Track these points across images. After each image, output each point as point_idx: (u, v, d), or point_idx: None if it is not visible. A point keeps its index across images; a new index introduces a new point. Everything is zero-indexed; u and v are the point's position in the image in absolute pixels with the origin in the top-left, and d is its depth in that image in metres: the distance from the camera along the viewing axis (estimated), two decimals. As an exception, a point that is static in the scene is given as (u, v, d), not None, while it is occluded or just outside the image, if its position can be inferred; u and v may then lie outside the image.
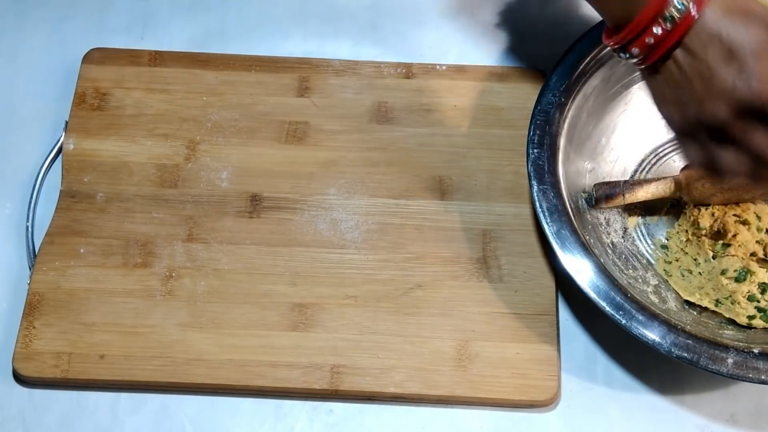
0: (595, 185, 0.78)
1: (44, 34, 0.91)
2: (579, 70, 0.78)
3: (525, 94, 0.85)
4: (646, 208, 0.80)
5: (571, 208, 0.73)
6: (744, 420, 0.74)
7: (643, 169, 0.82)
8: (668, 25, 0.59)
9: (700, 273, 0.75)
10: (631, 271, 0.76)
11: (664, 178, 0.77)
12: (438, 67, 0.87)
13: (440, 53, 0.90)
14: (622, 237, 0.79)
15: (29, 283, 0.77)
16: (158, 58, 0.87)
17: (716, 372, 0.67)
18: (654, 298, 0.74)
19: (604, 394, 0.75)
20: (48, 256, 0.78)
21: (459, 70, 0.87)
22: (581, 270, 0.70)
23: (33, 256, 0.78)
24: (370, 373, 0.74)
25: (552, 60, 0.89)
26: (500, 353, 0.74)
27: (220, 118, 0.85)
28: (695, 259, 0.76)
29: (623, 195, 0.76)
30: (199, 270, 0.78)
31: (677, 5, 0.59)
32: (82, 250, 0.78)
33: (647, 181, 0.77)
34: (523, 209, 0.80)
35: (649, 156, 0.83)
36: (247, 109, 0.85)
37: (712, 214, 0.75)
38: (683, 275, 0.76)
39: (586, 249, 0.71)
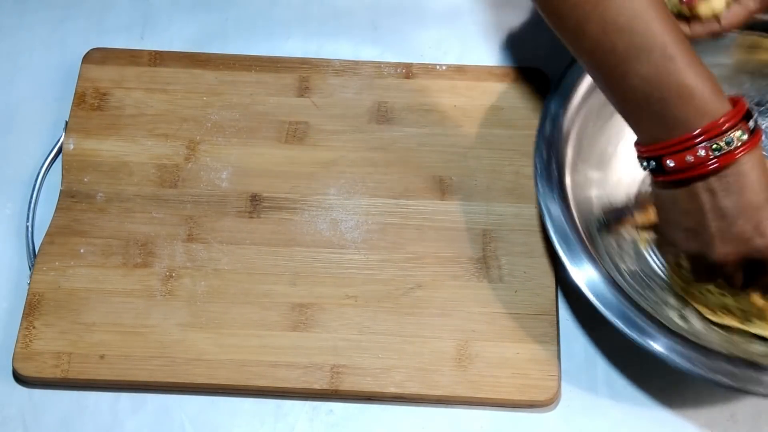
0: (604, 211, 0.75)
1: (44, 34, 0.91)
2: (585, 79, 0.77)
3: (525, 94, 0.85)
4: (653, 226, 0.78)
5: (579, 221, 0.72)
6: (744, 420, 0.73)
7: None
8: (712, 153, 0.60)
9: (722, 294, 0.73)
10: (651, 294, 0.74)
11: None
12: (438, 67, 0.87)
13: (440, 53, 0.90)
14: (636, 260, 0.77)
15: (29, 283, 0.77)
16: (158, 58, 0.87)
17: (755, 393, 0.66)
18: (680, 322, 0.73)
19: (605, 394, 0.75)
20: (48, 256, 0.78)
21: (459, 70, 0.87)
22: (606, 300, 0.69)
23: (33, 256, 0.78)
24: (370, 373, 0.74)
25: (551, 60, 0.89)
26: (500, 353, 0.74)
27: (220, 118, 0.85)
28: None
29: (632, 214, 0.74)
30: (199, 270, 0.78)
31: (729, 138, 0.59)
32: (82, 250, 0.78)
33: None
34: (523, 209, 0.80)
35: None
36: (247, 109, 0.85)
37: None
38: (703, 294, 0.74)
39: (596, 262, 0.70)
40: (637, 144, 0.65)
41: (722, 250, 0.63)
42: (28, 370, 0.74)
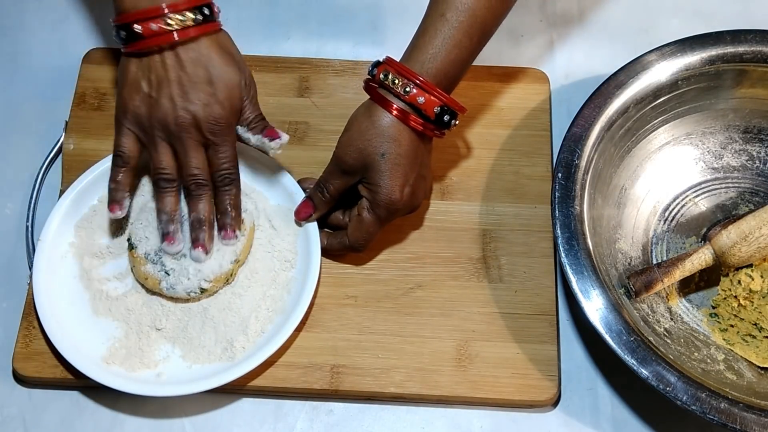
0: (629, 278, 0.74)
1: (44, 34, 0.91)
2: (600, 121, 0.76)
3: (525, 94, 0.85)
4: (679, 283, 0.77)
5: (598, 265, 0.71)
6: None
7: (669, 216, 0.80)
8: (168, 26, 0.69)
9: (767, 337, 0.73)
10: (696, 353, 0.73)
11: (695, 252, 0.74)
12: (438, 67, 0.87)
13: (440, 53, 0.90)
14: (671, 319, 0.76)
15: (29, 283, 0.77)
16: (158, 58, 0.87)
17: None
18: (730, 376, 0.72)
19: (604, 394, 0.75)
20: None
21: (459, 70, 0.87)
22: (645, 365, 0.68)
23: (33, 256, 0.78)
24: (370, 373, 0.74)
25: (552, 60, 0.89)
26: (500, 353, 0.74)
27: (220, 118, 0.84)
28: (756, 324, 0.74)
29: (661, 280, 0.73)
30: (199, 270, 0.78)
31: (183, 16, 0.70)
32: (82, 250, 0.78)
33: (680, 259, 0.73)
34: (523, 209, 0.80)
35: (671, 204, 0.81)
36: (247, 109, 0.85)
37: (761, 275, 0.73)
38: (746, 341, 0.74)
39: (616, 307, 0.69)
40: (114, 21, 0.72)
41: (182, 114, 0.70)
42: (28, 370, 0.74)
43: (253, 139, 0.74)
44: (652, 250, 0.79)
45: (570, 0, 0.93)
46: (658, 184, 0.81)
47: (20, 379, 0.75)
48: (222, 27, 0.73)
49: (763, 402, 0.67)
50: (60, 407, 0.74)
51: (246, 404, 0.74)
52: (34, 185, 0.82)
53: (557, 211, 0.72)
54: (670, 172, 0.81)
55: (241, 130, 0.74)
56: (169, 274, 0.72)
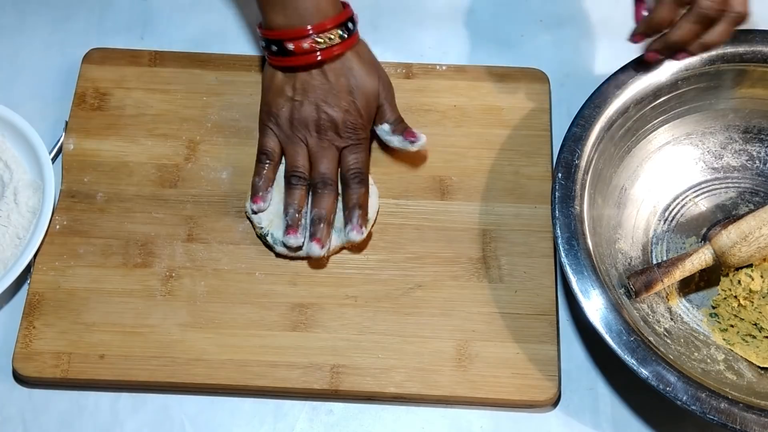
0: (629, 278, 0.73)
1: (44, 34, 0.91)
2: (600, 122, 0.76)
3: (525, 94, 0.85)
4: (679, 283, 0.77)
5: (598, 265, 0.71)
6: None
7: (669, 216, 0.80)
8: (317, 45, 0.74)
9: (767, 337, 0.73)
10: (696, 353, 0.73)
11: (696, 252, 0.73)
12: (438, 67, 0.87)
13: (440, 53, 0.90)
14: (671, 319, 0.76)
15: (29, 283, 0.77)
16: (158, 58, 0.87)
17: None
18: (730, 376, 0.72)
19: (604, 394, 0.75)
20: (48, 256, 0.78)
21: (459, 70, 0.87)
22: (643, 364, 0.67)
23: (33, 256, 0.78)
24: (370, 373, 0.74)
25: (551, 60, 0.89)
26: (500, 353, 0.74)
27: (220, 118, 0.85)
28: (756, 324, 0.74)
29: (661, 280, 0.73)
30: (199, 270, 0.78)
31: (330, 35, 0.75)
32: (81, 250, 0.78)
33: (680, 259, 0.73)
34: (523, 209, 0.80)
35: (671, 204, 0.81)
36: (247, 109, 0.85)
37: (761, 275, 0.73)
38: (746, 341, 0.74)
39: (616, 308, 0.69)
40: (262, 29, 0.77)
41: (327, 114, 0.76)
42: (28, 370, 0.74)
43: (395, 140, 0.79)
44: (652, 250, 0.79)
45: (570, 0, 0.93)
46: (658, 184, 0.81)
47: (20, 379, 0.75)
48: (360, 37, 0.79)
49: (763, 402, 0.67)
50: (60, 407, 0.74)
51: (246, 404, 0.74)
52: (34, 185, 0.82)
53: (557, 211, 0.72)
54: (670, 172, 0.81)
55: (384, 132, 0.79)
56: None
